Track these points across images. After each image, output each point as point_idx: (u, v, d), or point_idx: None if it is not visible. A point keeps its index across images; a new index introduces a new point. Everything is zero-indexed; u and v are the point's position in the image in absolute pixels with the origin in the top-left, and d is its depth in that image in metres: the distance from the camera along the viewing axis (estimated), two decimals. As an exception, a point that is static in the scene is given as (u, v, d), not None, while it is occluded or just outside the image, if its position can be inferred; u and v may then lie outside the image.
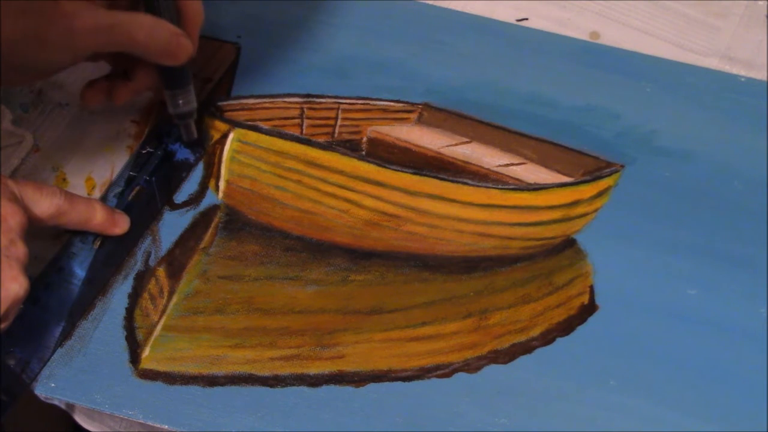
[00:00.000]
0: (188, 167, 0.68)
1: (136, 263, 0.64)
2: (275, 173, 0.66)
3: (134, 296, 0.62)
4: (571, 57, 0.76)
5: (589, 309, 0.63)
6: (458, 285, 0.64)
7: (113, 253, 0.63)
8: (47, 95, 0.71)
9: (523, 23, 0.78)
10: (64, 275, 0.62)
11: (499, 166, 0.70)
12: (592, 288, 0.64)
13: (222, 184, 0.66)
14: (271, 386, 0.59)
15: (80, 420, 0.62)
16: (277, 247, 0.65)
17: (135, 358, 0.60)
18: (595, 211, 0.68)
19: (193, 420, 0.57)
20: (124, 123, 0.70)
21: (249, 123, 0.69)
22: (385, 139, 0.71)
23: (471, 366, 0.60)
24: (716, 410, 0.59)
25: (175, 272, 0.63)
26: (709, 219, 0.67)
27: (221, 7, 0.77)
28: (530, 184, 0.69)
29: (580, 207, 0.68)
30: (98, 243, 0.63)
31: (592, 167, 0.70)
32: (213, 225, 0.66)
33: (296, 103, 0.72)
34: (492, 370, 0.60)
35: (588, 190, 0.68)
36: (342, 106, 0.72)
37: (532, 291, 0.64)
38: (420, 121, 0.73)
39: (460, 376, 0.60)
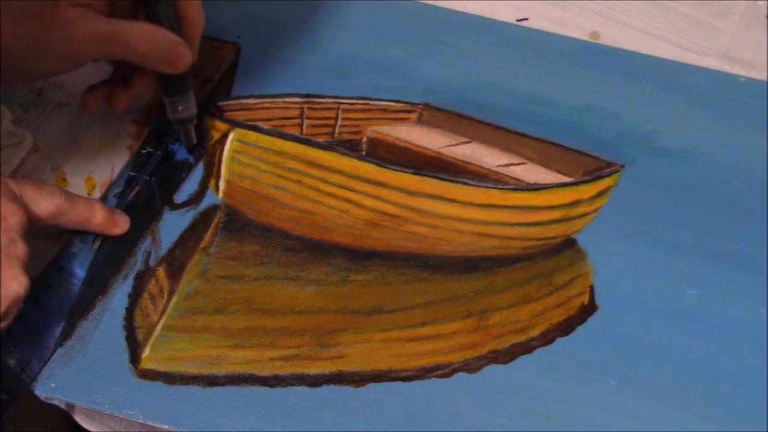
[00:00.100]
0: (188, 167, 0.68)
1: (136, 263, 0.63)
2: (275, 173, 0.66)
3: (134, 296, 0.62)
4: (571, 57, 0.76)
5: (589, 309, 0.63)
6: (458, 285, 0.64)
7: (113, 253, 0.63)
8: (47, 95, 0.71)
9: (523, 23, 0.78)
10: (64, 275, 0.62)
11: (499, 166, 0.70)
12: (592, 288, 0.64)
13: (222, 184, 0.66)
14: (271, 386, 0.59)
15: (80, 420, 0.62)
16: (277, 247, 0.65)
17: (135, 358, 0.59)
18: (595, 211, 0.68)
19: (193, 420, 0.57)
20: (124, 123, 0.70)
21: (249, 123, 0.69)
22: (385, 139, 0.71)
23: (471, 366, 0.60)
24: (716, 410, 0.59)
25: (175, 272, 0.63)
26: (709, 219, 0.67)
27: (221, 7, 0.77)
28: (530, 184, 0.69)
29: (580, 207, 0.68)
30: (98, 243, 0.63)
31: (592, 167, 0.70)
32: (213, 225, 0.66)
33: (296, 103, 0.72)
34: (492, 370, 0.60)
35: (588, 190, 0.68)
36: (342, 106, 0.72)
37: (532, 291, 0.64)
38: (420, 121, 0.73)
39: (460, 376, 0.60)
